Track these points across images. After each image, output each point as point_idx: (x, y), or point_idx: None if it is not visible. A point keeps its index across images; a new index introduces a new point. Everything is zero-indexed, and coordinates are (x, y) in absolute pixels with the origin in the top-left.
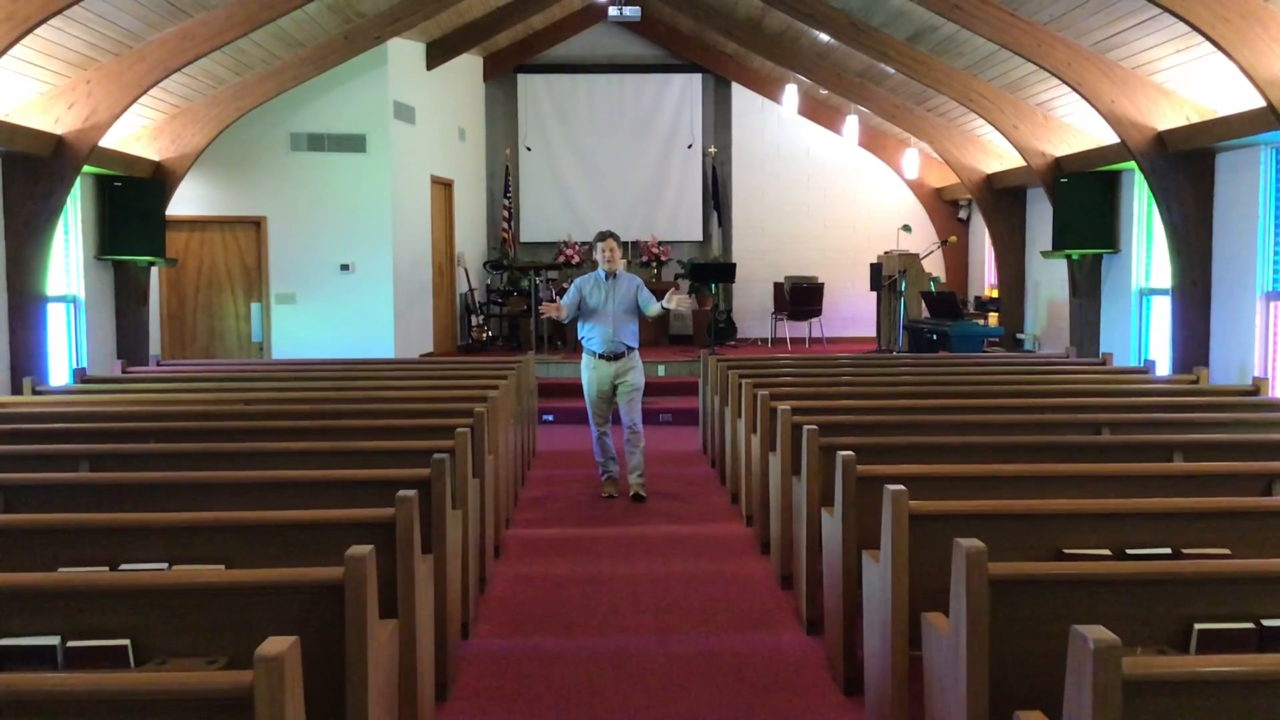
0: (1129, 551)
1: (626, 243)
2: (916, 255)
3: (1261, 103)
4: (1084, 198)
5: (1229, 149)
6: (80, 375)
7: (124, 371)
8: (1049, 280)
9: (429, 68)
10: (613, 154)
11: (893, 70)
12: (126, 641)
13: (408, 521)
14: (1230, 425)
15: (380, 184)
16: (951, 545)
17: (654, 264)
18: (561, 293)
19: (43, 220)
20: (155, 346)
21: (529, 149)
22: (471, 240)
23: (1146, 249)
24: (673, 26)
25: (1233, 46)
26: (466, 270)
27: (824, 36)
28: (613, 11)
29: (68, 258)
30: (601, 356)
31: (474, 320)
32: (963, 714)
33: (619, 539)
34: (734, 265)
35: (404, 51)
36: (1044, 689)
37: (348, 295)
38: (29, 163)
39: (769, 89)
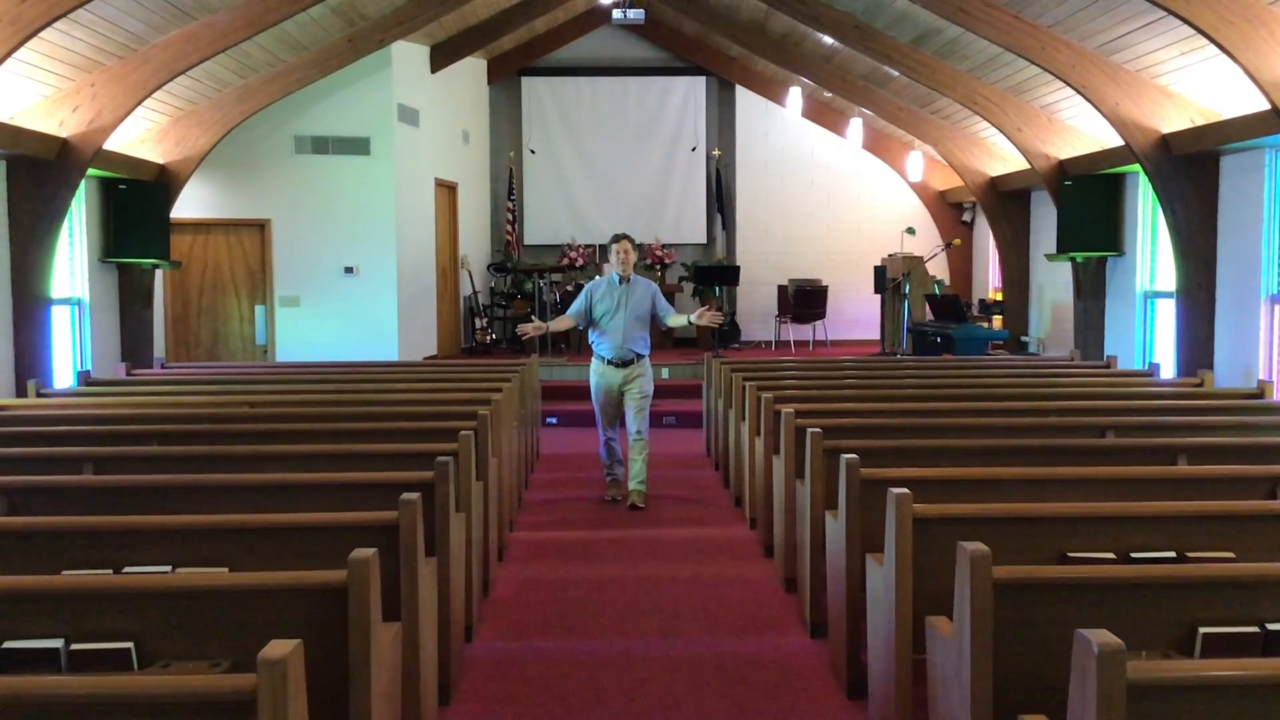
0: (1133, 555)
1: None
2: (920, 258)
3: (1266, 105)
4: (1088, 200)
5: (1233, 152)
6: (84, 378)
7: (128, 374)
8: (1053, 283)
9: (433, 71)
10: (616, 157)
11: (897, 73)
12: (130, 644)
13: (411, 524)
14: (1235, 428)
15: (384, 187)
16: (955, 548)
17: (658, 266)
18: (566, 296)
19: (47, 223)
20: (159, 349)
21: (533, 152)
22: (475, 243)
23: (1151, 252)
24: (676, 29)
25: (1237, 49)
26: (470, 273)
27: (828, 39)
28: (617, 14)
29: (72, 260)
30: (610, 362)
31: (478, 323)
32: (967, 717)
33: (623, 542)
34: (738, 268)
35: (408, 54)
36: (1048, 693)
37: (352, 298)
38: (34, 165)
39: (773, 92)
